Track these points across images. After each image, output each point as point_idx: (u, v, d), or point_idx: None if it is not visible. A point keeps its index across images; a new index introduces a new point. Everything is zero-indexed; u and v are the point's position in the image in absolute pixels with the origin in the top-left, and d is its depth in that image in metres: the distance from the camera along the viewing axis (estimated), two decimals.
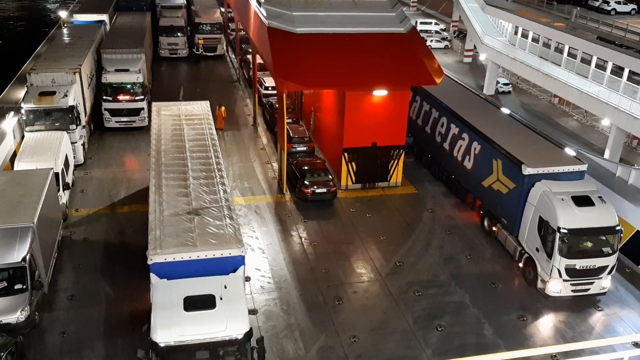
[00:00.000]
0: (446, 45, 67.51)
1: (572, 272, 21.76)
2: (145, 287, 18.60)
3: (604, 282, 22.25)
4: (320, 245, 25.52)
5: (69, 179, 27.78)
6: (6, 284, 19.21)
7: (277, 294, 22.20)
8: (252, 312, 20.64)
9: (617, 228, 21.95)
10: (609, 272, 22.13)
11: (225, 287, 16.43)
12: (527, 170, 23.43)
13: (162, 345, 15.13)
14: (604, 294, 22.56)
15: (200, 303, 15.87)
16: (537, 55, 47.00)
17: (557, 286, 21.98)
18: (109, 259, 23.92)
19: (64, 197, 26.10)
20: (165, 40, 51.80)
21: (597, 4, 55.01)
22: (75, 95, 31.31)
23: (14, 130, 29.37)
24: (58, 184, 25.19)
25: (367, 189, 30.45)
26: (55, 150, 26.79)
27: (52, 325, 20.14)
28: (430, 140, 31.70)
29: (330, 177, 29.12)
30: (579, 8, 51.09)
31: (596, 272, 21.95)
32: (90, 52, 36.84)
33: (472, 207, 28.49)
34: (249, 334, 15.71)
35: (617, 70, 39.34)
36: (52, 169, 24.34)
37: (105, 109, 35.64)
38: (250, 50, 43.62)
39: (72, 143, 29.97)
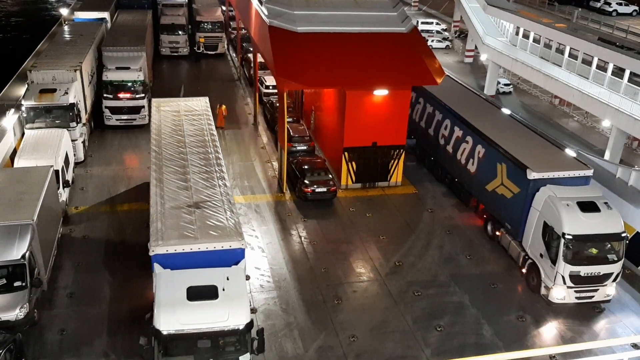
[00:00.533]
0: (447, 46, 67.49)
1: (576, 279, 21.41)
2: (145, 285, 18.62)
3: (609, 290, 21.85)
4: (319, 244, 25.51)
5: (69, 176, 27.78)
6: (5, 281, 19.22)
7: (276, 293, 22.20)
8: (252, 310, 20.61)
9: (623, 235, 21.50)
10: (614, 280, 21.73)
11: (228, 279, 16.66)
12: (532, 175, 23.05)
13: (164, 333, 15.43)
14: (608, 301, 22.15)
15: (203, 293, 16.13)
16: (538, 56, 46.98)
17: (560, 293, 21.64)
18: (109, 257, 23.92)
19: (64, 194, 26.11)
20: (167, 38, 51.76)
21: (598, 5, 55.01)
22: (76, 92, 31.30)
23: (14, 128, 29.36)
24: (58, 182, 25.20)
25: (367, 188, 30.45)
26: (55, 148, 26.79)
27: (51, 322, 20.13)
28: (433, 142, 31.38)
29: (330, 176, 29.11)
30: (580, 9, 51.07)
31: (601, 279, 21.57)
32: (91, 50, 36.82)
33: (475, 211, 28.11)
34: (249, 325, 16.03)
35: (618, 72, 39.34)
36: (52, 166, 24.35)
37: (106, 107, 35.62)
38: (251, 49, 43.60)
39: (72, 141, 29.97)
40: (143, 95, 35.89)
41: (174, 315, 15.60)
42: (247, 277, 22.20)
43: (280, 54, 27.38)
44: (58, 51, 35.64)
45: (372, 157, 29.84)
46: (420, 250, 25.47)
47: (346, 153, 29.56)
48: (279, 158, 31.18)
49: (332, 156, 31.39)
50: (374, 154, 29.82)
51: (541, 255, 22.48)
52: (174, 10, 54.71)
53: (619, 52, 39.73)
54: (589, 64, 41.36)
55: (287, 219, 27.38)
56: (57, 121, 29.98)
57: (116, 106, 35.60)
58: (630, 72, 38.04)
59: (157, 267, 17.16)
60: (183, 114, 27.16)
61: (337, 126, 30.37)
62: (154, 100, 29.28)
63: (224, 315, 15.79)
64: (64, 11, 52.52)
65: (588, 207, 21.76)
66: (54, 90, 30.45)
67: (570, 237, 21.15)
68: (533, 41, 48.44)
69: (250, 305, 20.96)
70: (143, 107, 35.83)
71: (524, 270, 23.61)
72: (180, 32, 52.04)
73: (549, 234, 22.00)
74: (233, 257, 17.69)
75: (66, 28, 42.70)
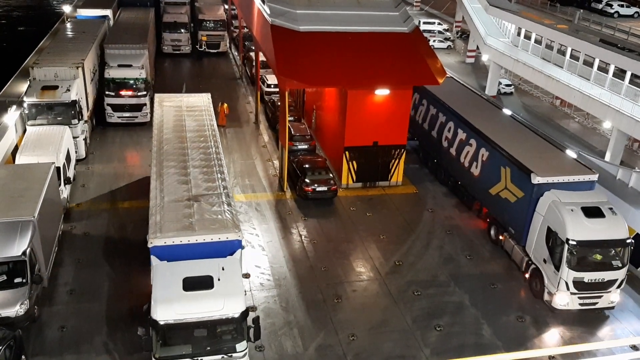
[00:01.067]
0: (449, 46, 67.44)
1: (580, 285, 21.17)
2: (146, 283, 18.64)
3: (613, 296, 21.56)
4: (320, 243, 25.55)
5: (70, 173, 27.81)
6: (6, 278, 19.27)
7: (276, 292, 22.24)
8: (252, 309, 20.68)
9: (628, 241, 21.29)
10: (618, 286, 21.47)
11: (223, 269, 16.99)
12: (537, 179, 22.83)
13: (161, 323, 15.80)
14: (612, 308, 21.86)
15: (198, 283, 16.51)
16: (539, 57, 46.96)
17: (564, 299, 21.38)
18: (109, 254, 23.97)
19: (65, 191, 26.14)
20: (169, 36, 51.80)
21: (600, 6, 54.95)
22: (78, 89, 31.34)
23: (16, 124, 29.41)
24: (59, 179, 25.23)
25: (367, 188, 30.48)
26: (57, 145, 26.83)
27: (51, 319, 20.18)
28: (437, 145, 31.15)
29: (331, 175, 29.14)
30: (582, 10, 51.02)
31: (605, 285, 21.31)
32: (94, 47, 36.87)
33: (478, 215, 27.91)
34: (245, 313, 16.38)
35: (619, 73, 39.32)
36: (53, 163, 24.39)
37: (108, 104, 35.67)
38: (253, 48, 43.61)
39: (74, 137, 30.01)
40: (145, 93, 35.93)
41: (170, 306, 15.96)
42: (248, 275, 22.44)
43: (282, 53, 27.40)
44: (60, 48, 35.71)
45: (373, 157, 29.87)
46: (420, 250, 25.50)
47: (347, 152, 29.58)
48: (279, 157, 31.22)
49: (333, 155, 31.42)
50: (375, 154, 29.84)
51: (545, 261, 22.24)
52: (176, 8, 54.71)
53: (621, 53, 39.72)
54: (591, 65, 41.34)
55: (287, 218, 27.41)
56: (59, 118, 30.06)
57: (118, 104, 35.65)
58: (632, 74, 38.01)
59: (153, 259, 17.46)
60: (185, 110, 27.45)
61: (338, 125, 30.40)
62: (157, 95, 29.51)
63: (219, 305, 16.14)
64: (67, 8, 52.54)
65: (592, 212, 21.54)
66: (56, 87, 30.50)
67: (574, 242, 20.92)
68: (535, 42, 48.41)
69: (251, 304, 21.06)
70: (145, 104, 35.88)
71: (527, 276, 23.39)
72: (182, 30, 52.08)
73: (553, 240, 21.76)
74: (230, 249, 17.99)
75: (69, 25, 42.80)
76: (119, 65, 36.05)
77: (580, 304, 21.55)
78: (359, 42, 28.12)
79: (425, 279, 23.48)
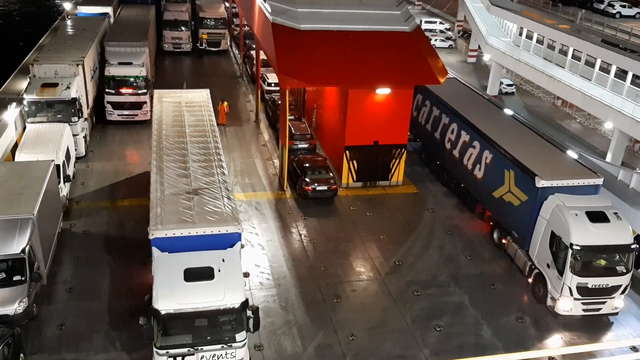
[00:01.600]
0: (450, 45, 67.35)
1: (583, 291, 20.83)
2: (145, 281, 18.64)
3: (617, 302, 21.25)
4: (319, 242, 25.49)
5: (70, 171, 27.76)
6: (5, 275, 19.20)
7: (276, 291, 22.19)
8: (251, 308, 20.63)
9: (633, 246, 20.92)
10: (622, 292, 21.15)
11: (224, 261, 17.22)
12: (541, 183, 22.54)
13: (163, 312, 16.07)
14: (616, 314, 21.60)
15: (199, 274, 16.78)
16: (541, 57, 46.89)
17: (567, 305, 21.07)
18: (109, 252, 23.92)
19: (64, 189, 26.09)
20: (169, 34, 51.75)
21: (601, 7, 54.82)
22: (78, 87, 31.27)
23: (16, 121, 29.36)
24: (59, 176, 25.18)
25: (368, 187, 30.42)
26: (56, 142, 26.77)
27: (50, 317, 20.13)
28: (439, 146, 30.90)
29: (331, 174, 29.08)
30: (583, 10, 50.93)
31: (609, 291, 20.99)
32: (94, 45, 36.78)
33: (481, 218, 27.65)
34: (244, 304, 16.69)
35: (621, 74, 39.26)
36: (53, 160, 24.33)
37: (108, 102, 35.61)
38: (254, 46, 43.55)
39: (73, 135, 29.95)
40: (145, 90, 35.84)
41: (171, 296, 16.23)
42: (247, 275, 22.38)
43: (282, 52, 27.34)
44: (60, 45, 35.62)
45: (373, 156, 29.80)
46: (420, 250, 25.44)
47: (347, 151, 29.52)
48: (280, 156, 31.17)
49: (334, 154, 31.36)
50: (375, 153, 29.78)
51: (548, 266, 21.99)
52: (177, 6, 54.61)
53: (622, 54, 39.66)
54: (592, 65, 41.28)
55: (287, 217, 27.36)
56: (58, 115, 29.98)
57: (118, 101, 35.59)
58: (633, 75, 37.95)
59: (155, 250, 17.62)
60: (184, 105, 27.65)
61: (338, 124, 30.34)
62: (156, 91, 29.62)
63: (219, 295, 16.42)
64: (67, 5, 52.50)
65: (597, 217, 21.26)
66: (56, 85, 30.43)
67: (578, 247, 20.64)
68: (536, 42, 48.34)
69: (251, 303, 21.00)
70: (145, 102, 35.80)
71: (530, 280, 23.14)
72: (183, 28, 52.07)
73: (557, 244, 21.50)
74: (229, 241, 18.18)
75: (69, 22, 42.66)
76: (119, 63, 35.97)
77: (584, 310, 21.27)
78: (360, 41, 28.05)
79: (425, 279, 23.43)
